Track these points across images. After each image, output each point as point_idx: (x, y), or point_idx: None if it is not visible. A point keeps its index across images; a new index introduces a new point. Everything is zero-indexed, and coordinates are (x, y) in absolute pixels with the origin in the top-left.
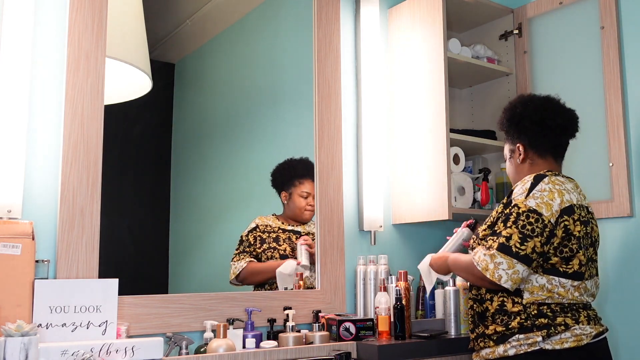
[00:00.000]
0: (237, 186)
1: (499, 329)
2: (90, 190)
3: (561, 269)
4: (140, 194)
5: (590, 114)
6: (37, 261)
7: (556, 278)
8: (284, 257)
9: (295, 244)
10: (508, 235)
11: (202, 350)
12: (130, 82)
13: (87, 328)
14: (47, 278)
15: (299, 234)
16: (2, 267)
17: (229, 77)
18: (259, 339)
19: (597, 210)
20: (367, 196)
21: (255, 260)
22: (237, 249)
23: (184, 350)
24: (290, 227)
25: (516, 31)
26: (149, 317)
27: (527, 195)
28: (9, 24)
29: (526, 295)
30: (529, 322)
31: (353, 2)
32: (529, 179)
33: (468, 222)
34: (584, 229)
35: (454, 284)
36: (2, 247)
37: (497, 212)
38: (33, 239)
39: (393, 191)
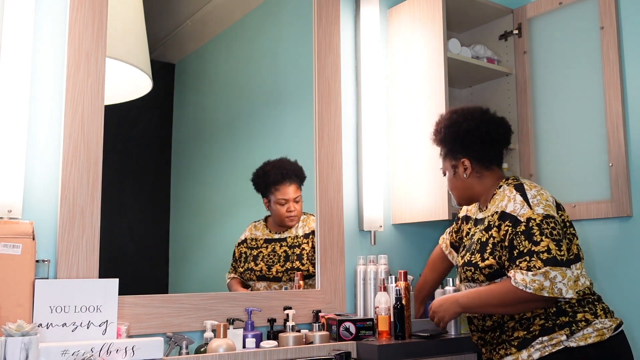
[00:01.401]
0: (237, 186)
1: (520, 334)
2: (90, 190)
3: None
4: (140, 194)
5: (590, 114)
6: (37, 261)
7: None
8: (260, 278)
9: (276, 256)
10: (545, 248)
11: (202, 350)
12: (130, 82)
13: (88, 328)
14: (47, 278)
15: (284, 242)
16: (3, 267)
17: (229, 77)
18: (259, 339)
19: (597, 210)
20: (367, 196)
21: (238, 277)
22: (232, 259)
23: (184, 350)
24: (277, 236)
25: (516, 31)
26: (149, 317)
27: (529, 205)
28: (10, 24)
29: None
30: (549, 322)
31: (353, 2)
32: (511, 194)
33: None
34: (564, 215)
35: (454, 284)
36: (2, 247)
37: (483, 236)
38: (33, 239)
39: (393, 191)
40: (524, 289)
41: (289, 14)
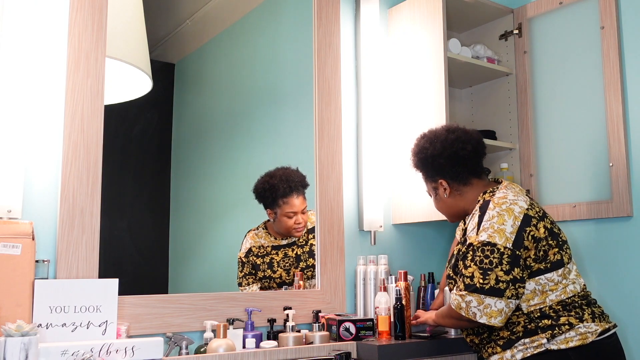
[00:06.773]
0: (237, 186)
1: (505, 334)
2: (90, 190)
3: (543, 267)
4: (140, 194)
5: (590, 114)
6: (37, 261)
7: (542, 277)
8: (281, 284)
9: (290, 260)
10: (470, 274)
11: (202, 350)
12: (130, 82)
13: (87, 328)
14: (47, 278)
15: (294, 245)
16: (2, 267)
17: (229, 77)
18: (259, 339)
19: (597, 210)
20: (367, 196)
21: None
22: (240, 271)
23: (184, 350)
24: (284, 242)
25: (516, 31)
26: (149, 317)
27: (478, 229)
28: (9, 24)
29: (524, 307)
30: (532, 324)
31: (353, 2)
32: (476, 212)
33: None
34: (546, 223)
35: None
36: (2, 247)
37: (455, 251)
38: (33, 239)
39: (393, 191)
40: (453, 307)
41: (288, 14)
